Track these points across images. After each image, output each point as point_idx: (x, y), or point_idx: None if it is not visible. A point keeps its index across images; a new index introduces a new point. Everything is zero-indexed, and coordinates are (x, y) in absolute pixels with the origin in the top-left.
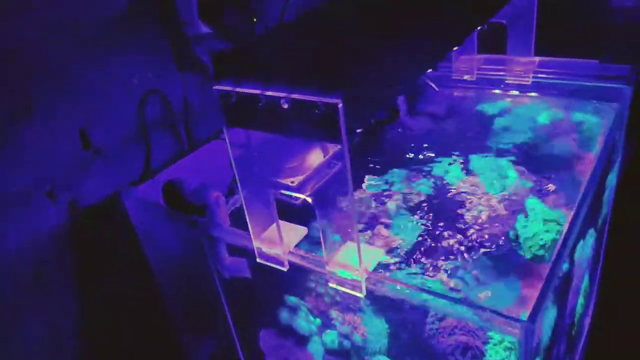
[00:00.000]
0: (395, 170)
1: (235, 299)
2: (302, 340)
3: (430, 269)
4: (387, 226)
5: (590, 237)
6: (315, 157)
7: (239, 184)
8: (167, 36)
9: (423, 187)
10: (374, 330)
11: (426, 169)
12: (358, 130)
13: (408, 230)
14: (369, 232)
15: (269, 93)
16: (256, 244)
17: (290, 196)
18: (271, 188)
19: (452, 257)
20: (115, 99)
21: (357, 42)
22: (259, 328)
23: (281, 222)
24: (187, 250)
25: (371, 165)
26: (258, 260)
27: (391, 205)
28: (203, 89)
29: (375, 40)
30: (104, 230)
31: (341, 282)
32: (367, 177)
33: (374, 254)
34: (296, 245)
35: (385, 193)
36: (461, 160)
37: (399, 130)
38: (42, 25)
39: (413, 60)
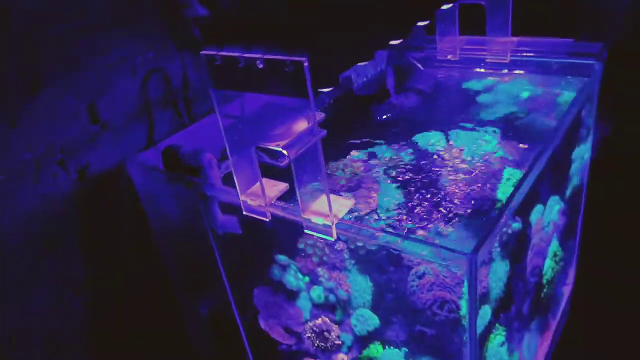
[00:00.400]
0: (382, 142)
1: (230, 257)
2: (291, 295)
3: (404, 224)
4: (369, 189)
5: (555, 204)
6: (301, 126)
7: (226, 145)
8: (167, 18)
9: (407, 157)
10: (358, 287)
11: (412, 140)
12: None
13: (389, 193)
14: (350, 194)
15: (247, 55)
16: (242, 198)
17: (276, 159)
18: (255, 149)
19: (425, 216)
20: (120, 77)
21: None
22: (253, 286)
23: (264, 179)
24: (184, 211)
25: (358, 141)
26: (244, 212)
27: (376, 170)
28: (201, 68)
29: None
30: (110, 196)
31: (314, 228)
32: (353, 151)
33: (345, 204)
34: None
35: (370, 162)
36: (445, 133)
37: (387, 106)
38: (50, 7)
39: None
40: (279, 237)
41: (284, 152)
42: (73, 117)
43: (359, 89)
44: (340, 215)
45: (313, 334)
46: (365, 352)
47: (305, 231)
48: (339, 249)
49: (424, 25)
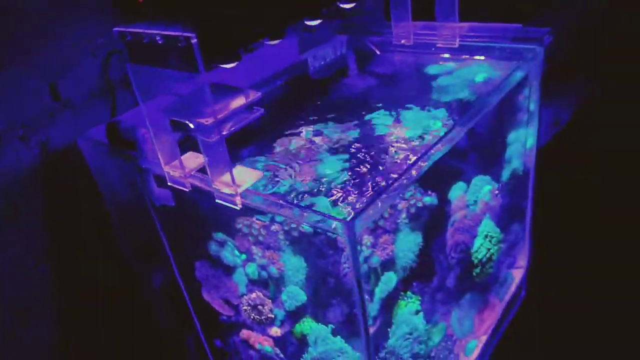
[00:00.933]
0: (330, 121)
1: (172, 231)
2: (228, 270)
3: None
4: (309, 163)
5: (485, 184)
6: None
7: (146, 117)
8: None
9: (353, 133)
10: (292, 267)
11: (361, 120)
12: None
13: (325, 167)
14: (289, 167)
15: (149, 31)
16: (165, 169)
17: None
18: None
19: (350, 188)
20: (82, 57)
21: None
22: (194, 259)
23: (191, 152)
24: (127, 184)
25: (311, 118)
26: (168, 183)
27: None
28: None
29: None
30: (70, 170)
31: (223, 198)
32: (304, 128)
33: (252, 175)
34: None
35: (314, 138)
36: (396, 113)
37: (343, 87)
38: None
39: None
40: (218, 215)
41: (190, 125)
42: (34, 94)
43: (315, 72)
44: (246, 186)
45: (249, 307)
46: (297, 327)
47: (217, 200)
48: (274, 230)
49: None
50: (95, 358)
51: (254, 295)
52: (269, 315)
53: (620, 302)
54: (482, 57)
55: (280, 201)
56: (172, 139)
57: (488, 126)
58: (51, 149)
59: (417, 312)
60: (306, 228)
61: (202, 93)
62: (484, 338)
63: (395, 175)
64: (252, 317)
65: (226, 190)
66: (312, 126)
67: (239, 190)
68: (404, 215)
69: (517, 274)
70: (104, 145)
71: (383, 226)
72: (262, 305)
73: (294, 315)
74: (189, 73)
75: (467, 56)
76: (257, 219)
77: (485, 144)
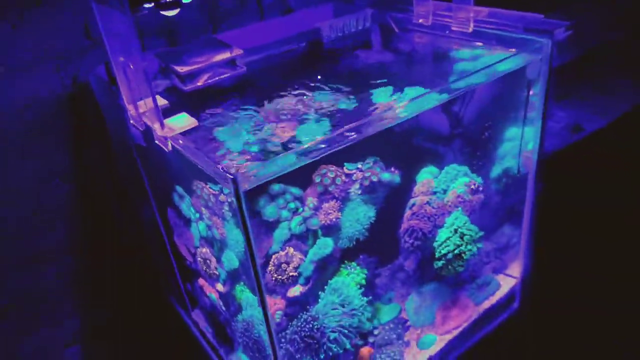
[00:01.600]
0: (328, 89)
1: (148, 173)
2: (187, 222)
3: None
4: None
5: (461, 175)
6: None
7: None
8: None
9: (343, 104)
10: (232, 238)
11: (363, 92)
12: None
13: (309, 129)
14: (273, 124)
15: None
16: (128, 107)
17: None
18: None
19: None
20: None
21: None
22: (167, 205)
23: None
24: (120, 120)
25: (311, 84)
26: (130, 121)
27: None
28: None
29: None
30: (92, 104)
31: (158, 139)
32: (300, 91)
33: (188, 124)
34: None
35: (305, 101)
36: (399, 91)
37: (356, 59)
38: None
39: None
40: (178, 169)
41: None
42: (69, 31)
43: (330, 42)
44: (177, 132)
45: (201, 260)
46: (236, 289)
47: (155, 141)
48: (221, 200)
49: None
50: (105, 258)
51: (204, 250)
52: (214, 272)
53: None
54: (494, 45)
55: (196, 149)
56: (140, 77)
57: (476, 115)
58: (79, 82)
59: (359, 285)
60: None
61: (129, 33)
62: (447, 337)
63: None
64: (203, 268)
65: (159, 132)
66: (308, 91)
67: (169, 134)
68: (357, 186)
69: (508, 283)
70: (103, 81)
71: (332, 192)
72: (209, 260)
73: (231, 277)
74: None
75: (480, 43)
76: (209, 187)
77: (470, 133)
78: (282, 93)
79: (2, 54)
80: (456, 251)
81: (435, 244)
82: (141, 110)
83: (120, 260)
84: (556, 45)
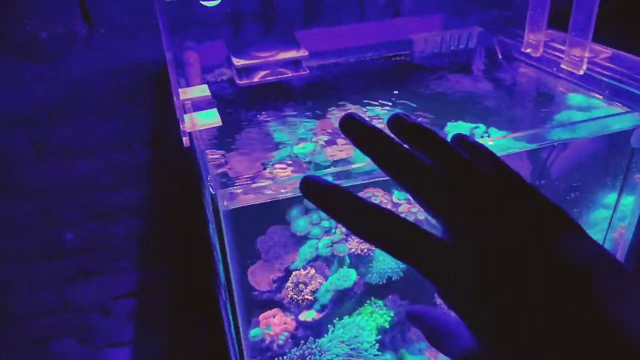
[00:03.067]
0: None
1: None
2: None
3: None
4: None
5: None
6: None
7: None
8: None
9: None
10: None
11: (435, 120)
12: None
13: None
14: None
15: None
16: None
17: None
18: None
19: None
20: None
21: None
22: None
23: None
24: None
25: (384, 102)
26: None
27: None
28: None
29: None
30: None
31: (182, 132)
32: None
33: (212, 120)
34: None
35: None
36: (480, 129)
37: (444, 82)
38: None
39: None
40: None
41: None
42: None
43: (422, 58)
44: (198, 128)
45: (291, 284)
46: None
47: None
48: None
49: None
50: (168, 222)
51: (304, 272)
52: (307, 297)
53: None
54: (599, 96)
55: (204, 153)
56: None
57: (566, 169)
58: None
59: (379, 327)
60: None
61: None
62: None
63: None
64: (289, 295)
65: (187, 125)
66: (379, 108)
67: (188, 129)
68: None
69: None
70: None
71: None
72: (304, 284)
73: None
74: None
75: (588, 89)
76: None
77: (555, 189)
78: (350, 106)
79: (105, 15)
80: None
81: None
82: (181, 98)
83: (181, 228)
84: None
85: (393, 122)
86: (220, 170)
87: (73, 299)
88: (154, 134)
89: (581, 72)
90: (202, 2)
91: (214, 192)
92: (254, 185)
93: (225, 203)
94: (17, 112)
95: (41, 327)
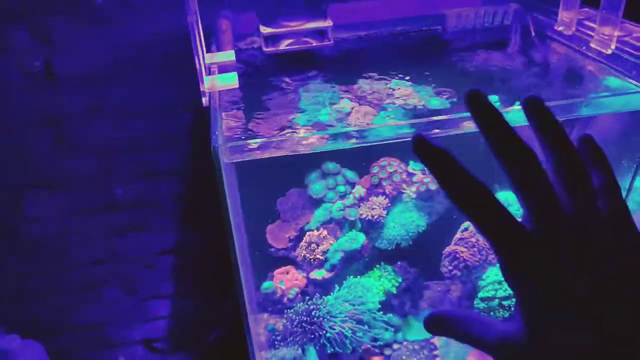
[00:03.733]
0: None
1: None
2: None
3: None
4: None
5: None
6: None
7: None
8: None
9: (436, 102)
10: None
11: (460, 95)
12: None
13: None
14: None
15: None
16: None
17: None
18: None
19: None
20: None
21: None
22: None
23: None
24: None
25: (410, 76)
26: None
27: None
28: None
29: None
30: None
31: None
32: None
33: (230, 82)
34: None
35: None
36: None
37: (475, 58)
38: None
39: None
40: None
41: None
42: None
43: (454, 33)
44: (217, 89)
45: (304, 244)
46: None
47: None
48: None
49: None
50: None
51: (316, 233)
52: (317, 257)
53: None
54: (624, 77)
55: (217, 112)
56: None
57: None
58: None
59: (384, 291)
60: None
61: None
62: None
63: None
64: (302, 254)
65: (206, 86)
66: (405, 81)
67: (208, 89)
68: (413, 188)
69: None
70: None
71: (384, 187)
72: (317, 244)
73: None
74: None
75: (613, 68)
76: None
77: None
78: (376, 76)
79: None
80: (505, 302)
81: (481, 282)
82: (207, 62)
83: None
84: None
85: (531, 104)
86: (230, 129)
87: (121, 250)
88: (196, 100)
89: (609, 52)
90: None
91: (215, 146)
92: (253, 142)
93: (226, 156)
94: (75, 74)
95: (93, 275)
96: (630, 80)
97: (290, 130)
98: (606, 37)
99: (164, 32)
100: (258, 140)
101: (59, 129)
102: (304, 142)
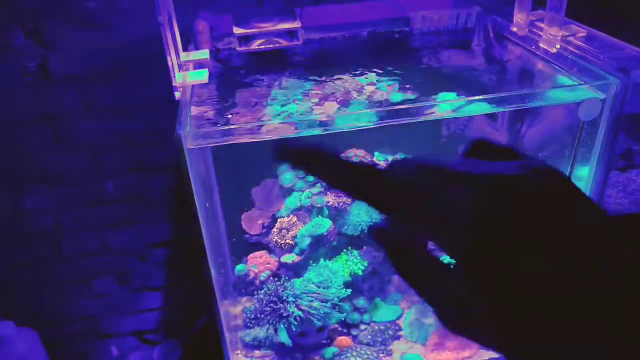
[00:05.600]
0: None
1: None
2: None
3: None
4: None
5: None
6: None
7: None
8: None
9: (397, 97)
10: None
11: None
12: None
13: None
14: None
15: None
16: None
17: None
18: None
19: None
20: None
21: None
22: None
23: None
24: None
25: (376, 73)
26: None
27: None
28: None
29: None
30: None
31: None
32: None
33: (201, 80)
34: None
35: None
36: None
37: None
38: None
39: None
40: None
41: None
42: None
43: (420, 34)
44: (188, 84)
45: (276, 230)
46: None
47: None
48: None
49: None
50: None
51: (287, 219)
52: (287, 242)
53: None
54: (566, 73)
55: (185, 104)
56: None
57: (539, 141)
58: None
59: (351, 274)
60: None
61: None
62: None
63: None
64: (274, 239)
65: (173, 81)
66: (374, 79)
67: (180, 84)
68: None
69: None
70: None
71: None
72: (287, 230)
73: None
74: None
75: (557, 66)
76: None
77: None
78: (345, 74)
79: None
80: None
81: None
82: (183, 60)
83: None
84: (633, 87)
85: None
86: (197, 119)
87: (114, 243)
88: None
89: (554, 51)
90: None
91: (178, 133)
92: (213, 129)
93: (190, 143)
94: (70, 74)
95: (86, 267)
96: (571, 77)
97: (252, 119)
98: (552, 37)
99: (152, 33)
100: (220, 128)
101: (54, 126)
102: (265, 129)
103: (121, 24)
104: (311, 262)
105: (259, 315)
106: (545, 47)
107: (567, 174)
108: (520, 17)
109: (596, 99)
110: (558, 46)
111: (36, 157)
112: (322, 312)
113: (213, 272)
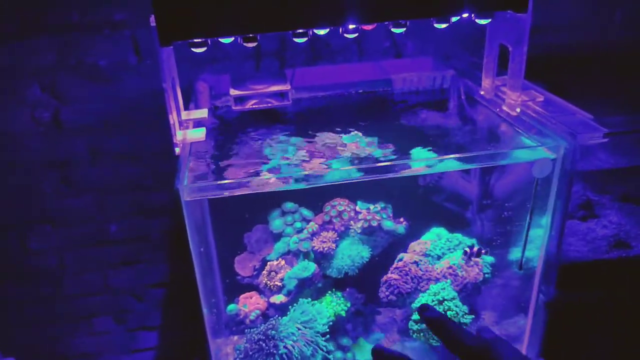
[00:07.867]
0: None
1: None
2: (273, 238)
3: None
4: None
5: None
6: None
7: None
8: None
9: (379, 152)
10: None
11: (404, 147)
12: None
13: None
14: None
15: None
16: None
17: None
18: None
19: None
20: None
21: None
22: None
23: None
24: None
25: (358, 129)
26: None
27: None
28: None
29: None
30: None
31: (175, 144)
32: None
33: (198, 135)
34: None
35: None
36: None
37: (414, 116)
38: None
39: None
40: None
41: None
42: None
43: (400, 95)
44: (189, 140)
45: (266, 272)
46: None
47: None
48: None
49: None
50: None
51: (275, 262)
52: (276, 283)
53: None
54: (526, 135)
55: (184, 159)
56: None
57: (508, 193)
58: None
59: (335, 314)
60: None
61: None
62: None
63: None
64: (263, 281)
65: (179, 137)
66: (357, 136)
67: (180, 141)
68: (359, 225)
69: None
70: None
71: (334, 224)
72: (276, 272)
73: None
74: None
75: (517, 128)
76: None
77: (493, 209)
78: (331, 131)
79: (152, 50)
80: None
81: (413, 306)
82: (184, 118)
83: None
84: (580, 148)
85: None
86: (194, 173)
87: (114, 283)
88: None
89: (514, 114)
90: (192, 49)
91: (177, 187)
92: (208, 183)
93: (188, 195)
94: (80, 124)
95: (87, 305)
96: (530, 137)
97: (245, 175)
98: (513, 102)
99: (157, 88)
100: (214, 182)
101: (63, 171)
102: (255, 182)
103: (129, 79)
104: (296, 303)
105: (249, 353)
106: (507, 110)
107: (527, 223)
108: (486, 82)
109: (547, 158)
110: (518, 110)
111: (44, 199)
112: (308, 351)
113: (205, 311)
